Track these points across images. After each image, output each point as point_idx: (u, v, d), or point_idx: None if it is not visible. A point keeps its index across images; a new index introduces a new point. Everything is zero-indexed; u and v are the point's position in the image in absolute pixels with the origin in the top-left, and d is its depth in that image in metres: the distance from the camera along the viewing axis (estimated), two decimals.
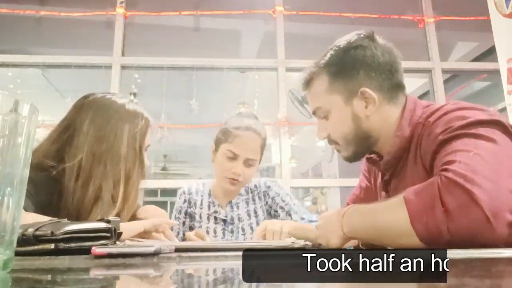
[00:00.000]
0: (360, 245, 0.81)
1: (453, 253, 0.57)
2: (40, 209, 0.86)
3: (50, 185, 0.93)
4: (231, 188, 1.35)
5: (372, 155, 0.98)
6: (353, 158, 0.94)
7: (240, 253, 0.55)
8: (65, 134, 0.99)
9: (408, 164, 0.85)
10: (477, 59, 3.65)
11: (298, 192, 7.67)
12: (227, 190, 1.39)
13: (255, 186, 1.47)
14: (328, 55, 0.91)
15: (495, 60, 2.28)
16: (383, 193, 0.96)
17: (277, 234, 1.04)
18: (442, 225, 0.58)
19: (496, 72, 2.32)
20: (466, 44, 3.78)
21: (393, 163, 0.88)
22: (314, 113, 0.96)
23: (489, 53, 3.27)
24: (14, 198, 0.37)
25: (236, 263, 0.50)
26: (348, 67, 0.88)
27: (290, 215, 1.37)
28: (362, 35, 0.90)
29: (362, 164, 1.13)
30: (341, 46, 0.90)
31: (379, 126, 0.88)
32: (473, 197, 0.57)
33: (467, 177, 0.59)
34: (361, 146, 0.91)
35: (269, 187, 1.45)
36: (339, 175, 4.83)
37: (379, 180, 0.99)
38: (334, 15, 3.26)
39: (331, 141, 0.95)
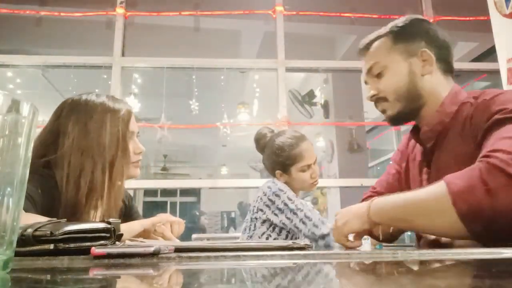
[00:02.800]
0: (380, 234, 0.81)
1: (453, 253, 0.57)
2: (44, 212, 0.86)
3: (48, 187, 0.94)
4: (315, 188, 1.60)
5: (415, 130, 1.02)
6: (396, 118, 0.97)
7: (240, 253, 0.55)
8: (49, 139, 1.02)
9: (451, 140, 0.89)
10: (477, 59, 3.65)
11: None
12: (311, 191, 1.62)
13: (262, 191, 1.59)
14: (393, 25, 0.98)
15: (495, 60, 2.28)
16: (425, 169, 0.98)
17: None
18: (484, 202, 0.61)
19: (496, 72, 2.31)
20: (466, 44, 3.78)
21: (431, 135, 0.93)
22: (368, 71, 0.99)
23: (489, 53, 3.28)
24: (14, 198, 0.37)
25: (235, 263, 0.50)
26: (413, 33, 0.96)
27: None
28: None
29: (395, 154, 1.16)
30: (406, 18, 0.98)
31: (430, 89, 0.93)
32: None
33: (509, 163, 0.62)
34: (408, 106, 0.95)
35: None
36: (339, 175, 4.83)
37: (412, 157, 1.03)
38: (334, 15, 3.27)
39: (379, 100, 0.98)
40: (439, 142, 0.92)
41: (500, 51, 2.20)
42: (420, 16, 0.99)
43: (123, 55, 2.93)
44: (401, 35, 0.96)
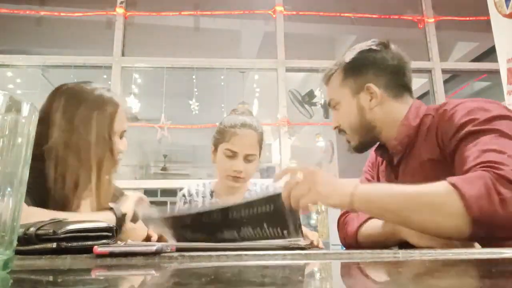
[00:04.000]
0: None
1: (453, 253, 0.58)
2: (38, 202, 0.87)
3: (37, 180, 0.94)
4: (235, 185, 1.36)
5: (379, 149, 1.06)
6: (360, 147, 1.02)
7: (241, 252, 0.55)
8: (40, 128, 1.00)
9: (416, 150, 0.94)
10: (477, 59, 3.65)
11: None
12: (231, 187, 1.40)
13: (261, 189, 1.48)
14: (345, 55, 1.02)
15: (495, 60, 2.28)
16: (393, 177, 1.02)
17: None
18: (498, 210, 0.64)
19: (496, 72, 2.31)
20: (466, 44, 3.78)
21: (400, 148, 0.96)
22: (328, 104, 1.07)
23: (489, 53, 3.27)
24: (14, 198, 0.37)
25: (237, 263, 0.50)
26: (359, 66, 0.99)
27: None
28: (377, 42, 1.02)
29: (366, 165, 1.18)
30: (355, 49, 1.02)
31: (382, 118, 0.98)
32: None
33: None
34: (366, 136, 1.00)
35: None
36: (339, 175, 4.83)
37: (382, 168, 1.07)
38: (334, 15, 3.27)
39: (341, 131, 1.04)
40: (406, 154, 0.96)
41: (500, 51, 2.20)
42: (371, 45, 1.00)
43: (123, 55, 2.93)
44: (349, 70, 1.00)
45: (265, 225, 0.73)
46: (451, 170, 0.84)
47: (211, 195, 1.45)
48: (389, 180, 1.03)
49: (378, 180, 1.10)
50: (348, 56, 1.01)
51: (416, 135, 0.94)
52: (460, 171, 0.75)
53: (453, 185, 0.67)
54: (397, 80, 0.98)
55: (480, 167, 0.70)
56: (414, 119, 0.95)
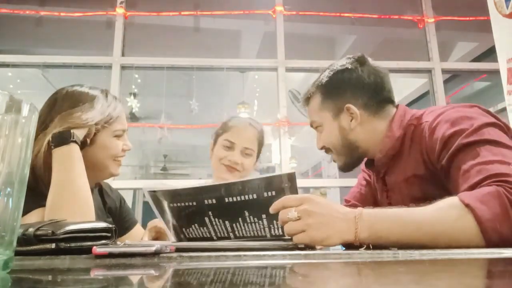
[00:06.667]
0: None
1: (453, 253, 0.58)
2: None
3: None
4: (228, 176, 1.34)
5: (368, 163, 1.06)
6: (346, 167, 1.03)
7: (241, 253, 0.55)
8: (39, 130, 0.97)
9: (401, 164, 0.93)
10: (477, 59, 3.65)
11: (298, 192, 7.66)
12: (225, 180, 1.39)
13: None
14: (321, 77, 1.02)
15: (495, 60, 2.28)
16: (385, 187, 1.02)
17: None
18: None
19: (496, 72, 2.31)
20: (466, 44, 3.78)
21: (385, 160, 0.96)
22: (311, 125, 1.07)
23: (489, 53, 3.27)
24: (14, 198, 0.37)
25: (236, 263, 0.50)
26: (337, 88, 0.99)
27: None
28: (351, 59, 1.01)
29: (362, 164, 1.16)
30: (331, 70, 1.01)
31: (365, 137, 0.98)
32: None
33: None
34: (351, 157, 1.01)
35: None
36: (339, 175, 4.83)
37: (380, 176, 1.05)
38: (334, 15, 3.27)
39: (328, 150, 1.05)
40: (391, 165, 0.97)
41: (500, 51, 2.20)
42: (345, 64, 0.99)
43: (123, 55, 2.93)
44: (327, 92, 1.00)
45: (263, 216, 0.74)
46: (439, 184, 0.84)
47: None
48: (382, 192, 1.04)
49: (375, 190, 1.10)
50: (324, 78, 1.01)
51: (401, 146, 0.93)
52: (463, 186, 0.72)
53: (468, 205, 0.65)
54: (376, 97, 0.97)
55: (491, 181, 0.68)
56: (397, 129, 0.94)
